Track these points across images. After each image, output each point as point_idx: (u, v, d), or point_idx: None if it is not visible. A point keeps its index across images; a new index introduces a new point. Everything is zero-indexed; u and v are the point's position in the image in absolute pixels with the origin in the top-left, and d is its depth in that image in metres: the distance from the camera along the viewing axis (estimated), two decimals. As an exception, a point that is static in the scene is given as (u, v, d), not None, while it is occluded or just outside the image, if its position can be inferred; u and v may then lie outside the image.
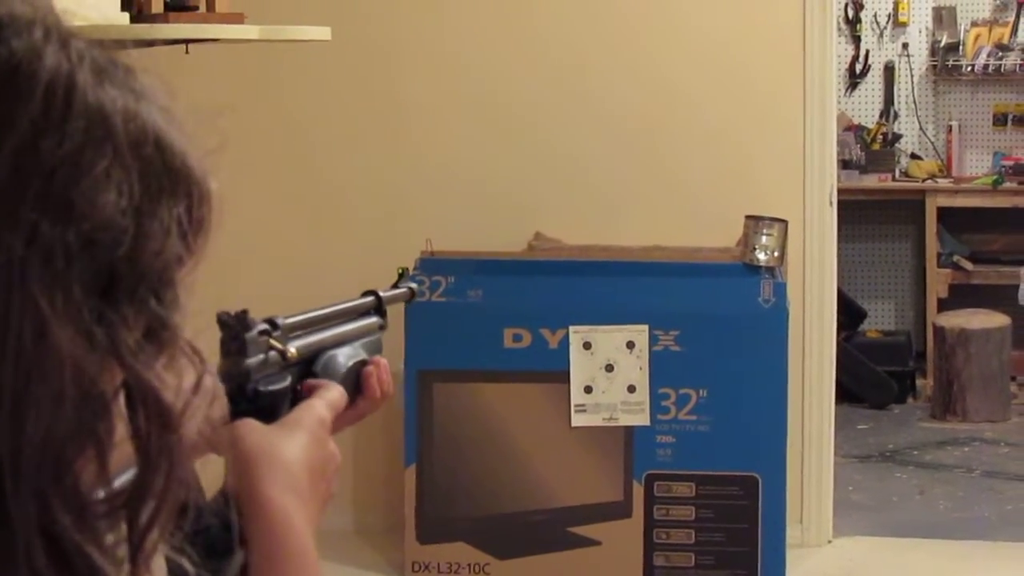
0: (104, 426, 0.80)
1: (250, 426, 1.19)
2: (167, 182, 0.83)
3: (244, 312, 1.24)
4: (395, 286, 1.56)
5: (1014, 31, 7.57)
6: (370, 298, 1.48)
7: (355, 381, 1.38)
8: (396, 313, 5.11)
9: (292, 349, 1.28)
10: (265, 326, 1.26)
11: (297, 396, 1.28)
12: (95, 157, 0.79)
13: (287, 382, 1.27)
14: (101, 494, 0.81)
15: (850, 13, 7.74)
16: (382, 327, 1.47)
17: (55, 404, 0.77)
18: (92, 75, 0.81)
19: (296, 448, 1.19)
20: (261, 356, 1.25)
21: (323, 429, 1.24)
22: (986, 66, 7.54)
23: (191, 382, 0.85)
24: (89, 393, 0.79)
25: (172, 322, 0.83)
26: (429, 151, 5.09)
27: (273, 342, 1.26)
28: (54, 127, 0.78)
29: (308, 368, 1.32)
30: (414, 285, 1.58)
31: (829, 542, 5.03)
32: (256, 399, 1.23)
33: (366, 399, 1.39)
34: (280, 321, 1.28)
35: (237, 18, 3.55)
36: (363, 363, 1.40)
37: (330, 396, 1.28)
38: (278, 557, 1.14)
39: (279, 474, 1.16)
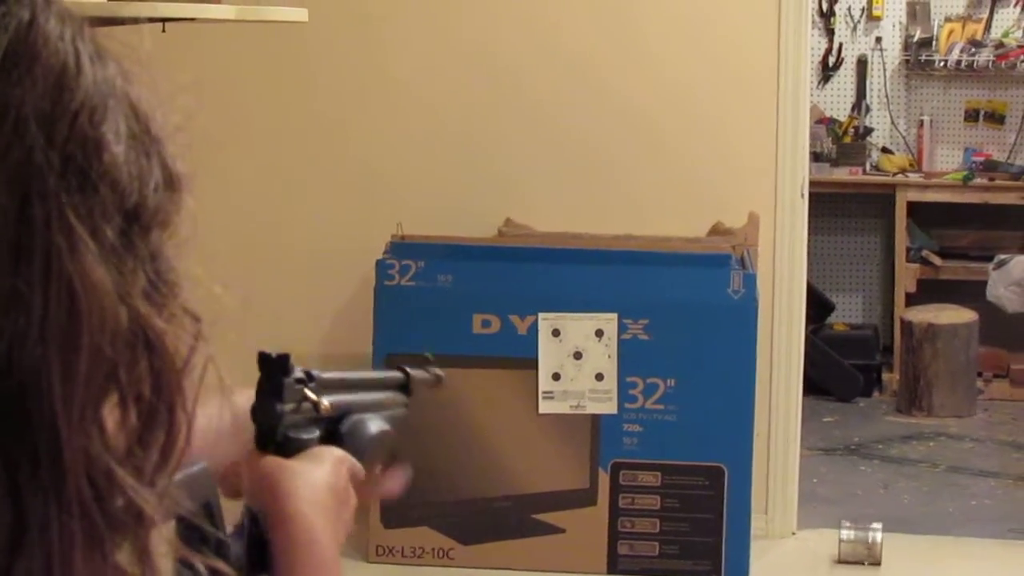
0: (127, 368, 0.82)
1: (274, 458, 1.22)
2: (147, 138, 0.85)
3: (287, 356, 1.25)
4: (422, 368, 1.56)
5: (987, 27, 7.59)
6: (399, 374, 1.50)
7: (379, 451, 1.38)
8: (366, 297, 5.09)
9: (326, 403, 1.28)
10: (302, 375, 1.27)
11: None
12: (106, 108, 0.82)
13: (315, 435, 1.27)
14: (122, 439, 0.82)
15: (824, 6, 7.75)
16: (406, 405, 1.48)
17: (99, 336, 0.79)
18: (88, 41, 0.84)
19: (320, 472, 1.22)
20: (294, 403, 1.25)
21: (343, 467, 1.25)
22: (959, 62, 7.55)
23: (189, 343, 0.86)
24: (117, 330, 0.80)
25: (175, 274, 0.85)
26: (401, 135, 5.08)
27: (308, 392, 1.27)
28: (71, 79, 0.81)
29: (335, 426, 1.32)
30: (441, 373, 1.59)
31: (793, 534, 5.05)
32: (284, 445, 1.23)
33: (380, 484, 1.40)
34: (316, 374, 1.28)
35: (214, -3, 3.54)
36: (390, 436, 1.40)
37: (342, 451, 1.29)
38: (300, 568, 1.15)
39: (304, 489, 1.18)
